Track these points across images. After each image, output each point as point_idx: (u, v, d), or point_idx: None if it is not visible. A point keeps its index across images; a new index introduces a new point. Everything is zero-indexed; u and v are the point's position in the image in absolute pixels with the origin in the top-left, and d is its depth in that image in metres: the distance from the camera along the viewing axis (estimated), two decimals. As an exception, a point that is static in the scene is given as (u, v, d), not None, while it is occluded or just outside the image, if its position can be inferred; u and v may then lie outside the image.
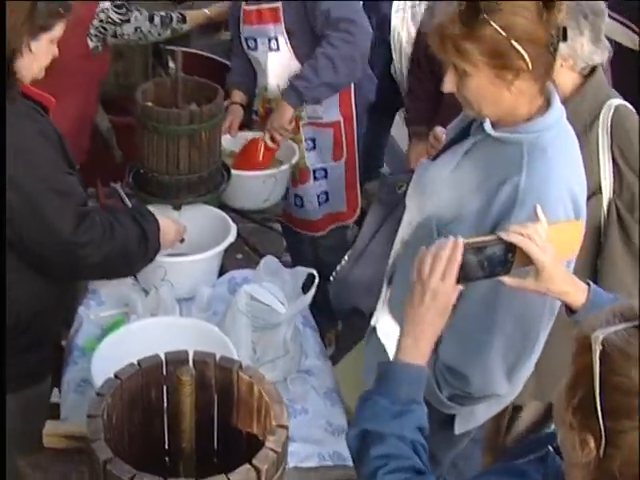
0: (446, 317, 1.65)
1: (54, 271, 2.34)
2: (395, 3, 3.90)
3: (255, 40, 3.54)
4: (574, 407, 1.21)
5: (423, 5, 3.97)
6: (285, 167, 3.42)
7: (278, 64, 3.52)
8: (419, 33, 3.47)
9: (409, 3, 3.92)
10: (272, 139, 3.43)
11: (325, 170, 3.72)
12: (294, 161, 3.48)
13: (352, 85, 3.59)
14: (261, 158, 3.42)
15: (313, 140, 3.66)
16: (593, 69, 2.58)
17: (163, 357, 1.71)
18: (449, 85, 1.97)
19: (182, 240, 2.73)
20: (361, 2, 3.48)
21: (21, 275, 2.28)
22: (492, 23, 1.83)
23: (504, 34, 1.83)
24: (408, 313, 1.65)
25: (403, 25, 3.97)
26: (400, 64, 4.02)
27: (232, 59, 3.85)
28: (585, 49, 2.50)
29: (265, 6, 3.45)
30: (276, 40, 3.48)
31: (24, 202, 2.16)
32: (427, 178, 2.19)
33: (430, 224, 2.06)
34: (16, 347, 2.32)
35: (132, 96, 3.06)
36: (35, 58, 2.23)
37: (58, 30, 2.27)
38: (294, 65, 3.47)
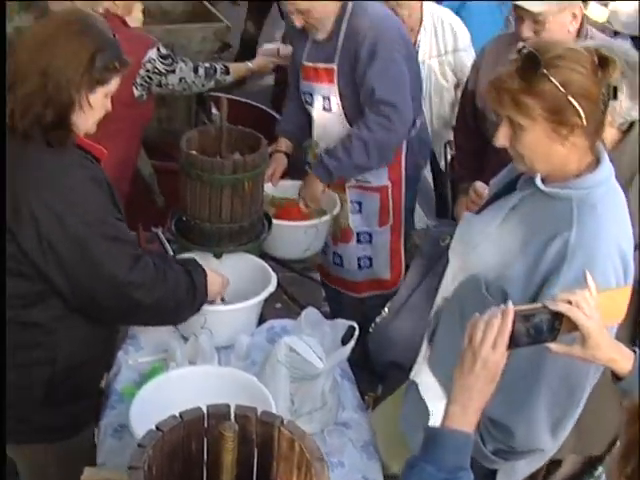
0: (494, 385, 1.65)
1: (105, 315, 2.35)
2: (421, 54, 3.95)
3: (312, 95, 3.56)
4: (627, 477, 1.20)
5: (450, 55, 4.02)
6: (327, 218, 3.43)
7: (330, 124, 3.54)
8: (465, 90, 3.48)
9: (435, 53, 3.99)
10: (306, 205, 3.48)
11: (370, 235, 3.71)
12: (335, 212, 3.48)
13: (403, 150, 3.60)
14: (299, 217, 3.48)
15: (359, 204, 3.66)
16: (631, 124, 2.59)
17: (205, 410, 1.72)
18: (503, 139, 1.99)
19: (222, 299, 2.76)
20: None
21: (67, 322, 2.30)
22: (552, 79, 1.86)
23: (563, 90, 1.86)
24: (457, 380, 1.65)
25: (430, 75, 4.01)
26: (430, 114, 4.05)
27: (286, 105, 3.87)
28: (623, 105, 2.51)
29: (321, 65, 3.47)
30: (329, 100, 3.50)
31: (76, 248, 2.18)
32: (472, 232, 2.19)
33: (477, 280, 2.06)
34: (57, 398, 2.32)
35: (175, 142, 3.09)
36: (92, 111, 2.27)
37: (113, 85, 2.31)
38: (344, 127, 3.48)
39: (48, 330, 2.27)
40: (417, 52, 3.93)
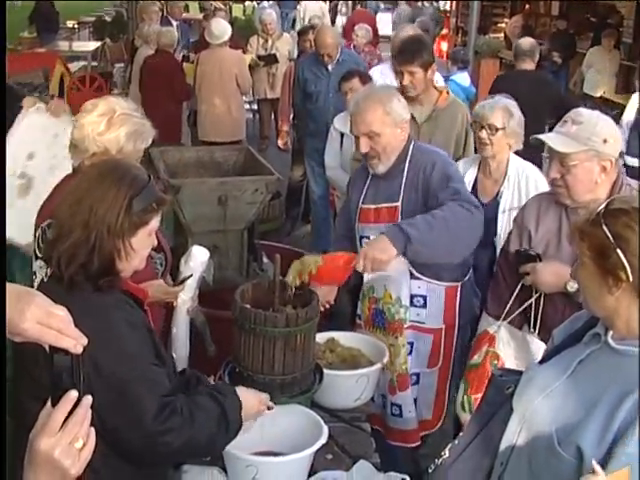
0: None
1: (135, 457, 2.35)
2: (502, 203, 4.05)
3: (369, 238, 3.62)
4: None
5: None
6: (378, 366, 3.41)
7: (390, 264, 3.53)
8: (510, 233, 3.55)
9: (516, 204, 4.01)
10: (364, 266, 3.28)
11: (417, 375, 3.73)
12: (385, 360, 3.46)
13: (458, 294, 3.67)
14: (342, 274, 3.32)
15: (411, 344, 3.68)
16: None
17: None
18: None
19: (270, 407, 2.75)
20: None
21: (111, 462, 2.28)
22: (603, 226, 1.98)
23: (612, 240, 1.96)
24: None
25: (510, 225, 4.08)
26: None
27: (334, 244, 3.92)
28: None
29: (384, 205, 3.58)
30: None
31: (110, 389, 2.21)
32: (538, 383, 2.21)
33: (548, 434, 2.07)
34: None
35: (227, 290, 3.16)
36: (136, 253, 2.36)
37: (154, 223, 2.39)
38: (402, 265, 3.52)
39: (93, 468, 2.25)
40: (498, 202, 4.06)
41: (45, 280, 2.39)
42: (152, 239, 2.42)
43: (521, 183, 4.09)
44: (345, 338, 3.59)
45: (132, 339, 2.30)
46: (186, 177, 5.00)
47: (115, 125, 3.09)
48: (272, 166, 4.92)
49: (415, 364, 3.72)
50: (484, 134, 4.13)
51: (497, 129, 4.09)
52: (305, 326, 2.95)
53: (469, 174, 4.27)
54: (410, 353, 3.70)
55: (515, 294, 3.32)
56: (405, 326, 3.64)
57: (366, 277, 3.67)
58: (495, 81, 7.43)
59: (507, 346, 3.33)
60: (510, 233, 3.52)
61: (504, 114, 4.12)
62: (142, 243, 2.37)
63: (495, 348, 3.34)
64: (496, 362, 3.26)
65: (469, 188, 4.19)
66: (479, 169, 4.27)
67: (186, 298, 3.43)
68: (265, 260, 4.76)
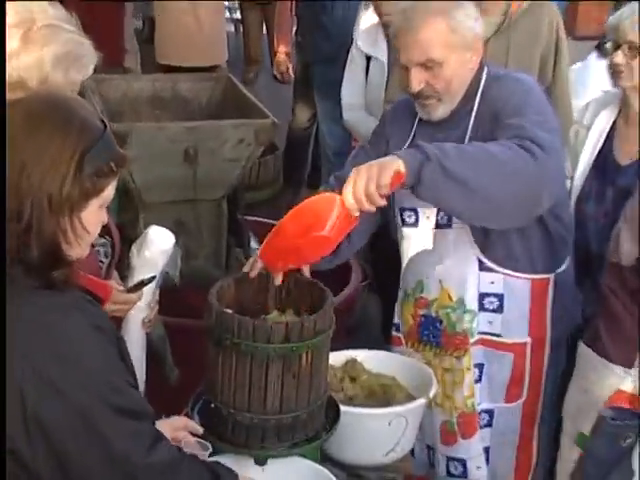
0: None
1: None
2: None
3: (416, 212, 3.64)
4: None
5: None
6: (421, 402, 3.39)
7: (446, 242, 3.60)
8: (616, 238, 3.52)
9: None
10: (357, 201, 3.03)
11: (490, 414, 3.73)
12: (432, 393, 3.44)
13: (550, 293, 3.66)
14: (333, 222, 3.02)
15: (480, 368, 3.68)
16: None
17: None
18: None
19: None
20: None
21: None
22: None
23: None
24: None
25: None
26: None
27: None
28: None
29: None
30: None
31: (74, 418, 2.23)
32: None
33: None
34: None
35: (198, 288, 3.16)
36: (89, 235, 2.37)
37: (110, 190, 2.38)
38: (468, 247, 3.54)
39: None
40: None
41: None
42: (103, 214, 2.43)
43: None
44: (373, 360, 3.62)
45: (102, 350, 2.33)
46: (136, 120, 5.01)
47: (36, 43, 3.06)
48: (264, 105, 4.92)
49: (486, 396, 3.72)
50: (620, 57, 4.03)
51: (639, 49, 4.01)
52: (313, 341, 2.95)
53: (602, 119, 4.17)
54: (479, 380, 3.71)
55: None
56: (472, 341, 3.63)
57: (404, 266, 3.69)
58: None
59: None
60: (616, 238, 3.40)
61: None
62: (93, 219, 2.38)
63: None
64: None
65: (601, 139, 4.12)
66: (620, 113, 4.19)
67: (142, 305, 3.45)
68: (253, 244, 4.77)
